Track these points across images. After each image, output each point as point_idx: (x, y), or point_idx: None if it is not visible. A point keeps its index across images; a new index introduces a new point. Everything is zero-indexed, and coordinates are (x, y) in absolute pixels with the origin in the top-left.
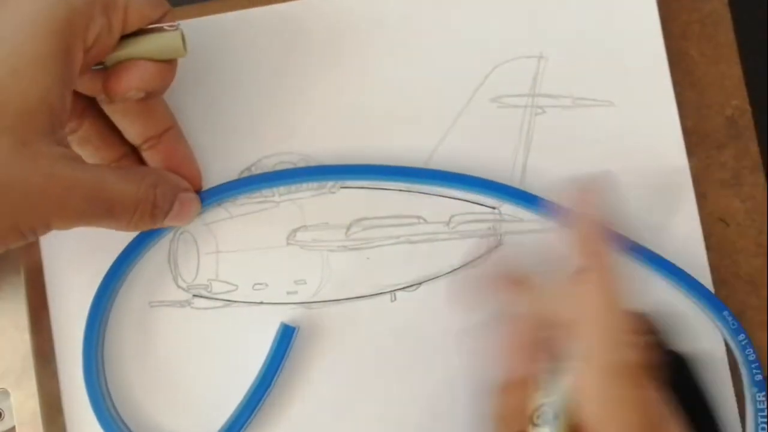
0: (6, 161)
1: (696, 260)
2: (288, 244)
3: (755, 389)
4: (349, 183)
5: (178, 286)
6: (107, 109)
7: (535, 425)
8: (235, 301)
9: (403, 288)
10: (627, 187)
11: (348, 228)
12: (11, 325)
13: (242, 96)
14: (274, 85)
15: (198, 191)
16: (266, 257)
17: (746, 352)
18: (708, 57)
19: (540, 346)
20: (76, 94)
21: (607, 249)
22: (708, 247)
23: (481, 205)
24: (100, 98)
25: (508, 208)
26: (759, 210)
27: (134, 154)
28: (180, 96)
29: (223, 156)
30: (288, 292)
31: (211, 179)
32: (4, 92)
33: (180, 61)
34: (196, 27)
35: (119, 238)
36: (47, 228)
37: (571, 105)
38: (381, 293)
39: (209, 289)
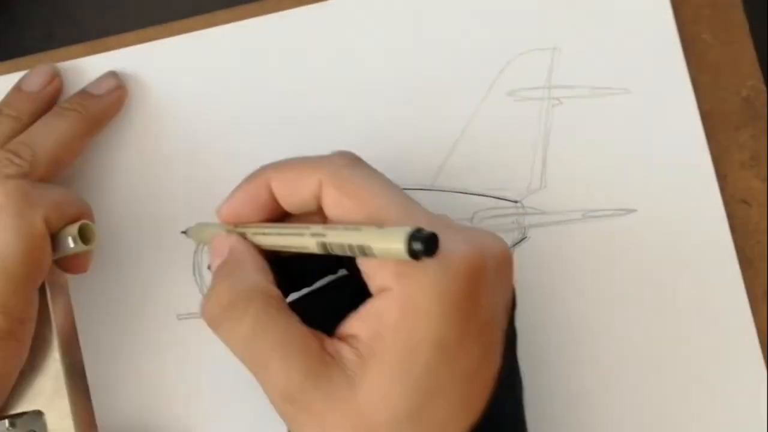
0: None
1: (721, 243)
2: None
3: None
4: None
5: None
6: None
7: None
8: None
9: None
10: (646, 173)
11: None
12: (40, 344)
13: (257, 101)
14: (287, 89)
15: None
16: None
17: None
18: (721, 39)
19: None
20: None
21: None
22: (731, 229)
23: (504, 199)
24: None
25: (530, 201)
26: None
27: None
28: (197, 103)
29: (242, 162)
30: None
31: (231, 185)
32: None
33: (201, 68)
34: (208, 35)
35: (143, 253)
36: None
37: (587, 95)
38: None
39: None
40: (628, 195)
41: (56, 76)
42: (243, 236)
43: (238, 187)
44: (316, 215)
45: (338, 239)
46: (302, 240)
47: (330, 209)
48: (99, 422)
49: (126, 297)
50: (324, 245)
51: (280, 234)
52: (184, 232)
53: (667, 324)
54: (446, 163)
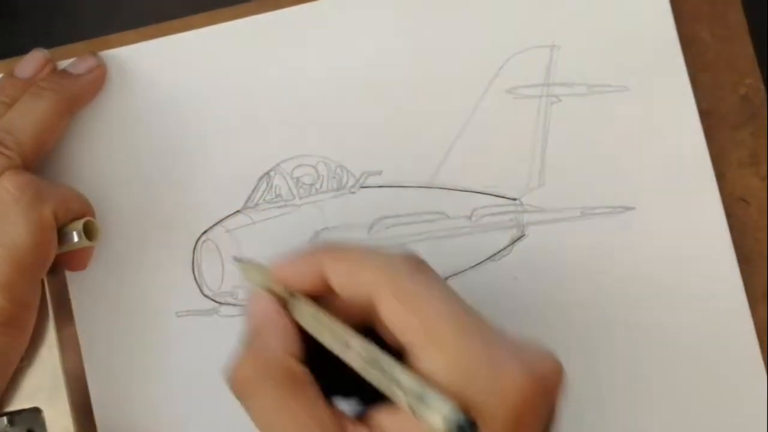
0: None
1: (720, 241)
2: None
3: None
4: (369, 182)
5: (204, 295)
6: None
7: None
8: None
9: None
10: (645, 171)
11: (370, 227)
12: (39, 342)
13: (257, 99)
14: (287, 87)
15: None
16: None
17: None
18: (719, 38)
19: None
20: None
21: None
22: (730, 227)
23: (502, 197)
24: None
25: (529, 199)
26: None
27: None
28: (198, 102)
29: (242, 160)
30: None
31: (230, 184)
32: None
33: (202, 66)
34: (209, 32)
35: (142, 250)
36: None
37: (586, 93)
38: None
39: (235, 296)
40: (627, 193)
41: (49, 61)
42: (285, 302)
43: (291, 260)
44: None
45: (379, 383)
46: (345, 352)
47: (384, 315)
48: (98, 420)
49: (125, 294)
50: (365, 371)
51: (323, 331)
52: (238, 260)
53: (666, 322)
54: (445, 160)
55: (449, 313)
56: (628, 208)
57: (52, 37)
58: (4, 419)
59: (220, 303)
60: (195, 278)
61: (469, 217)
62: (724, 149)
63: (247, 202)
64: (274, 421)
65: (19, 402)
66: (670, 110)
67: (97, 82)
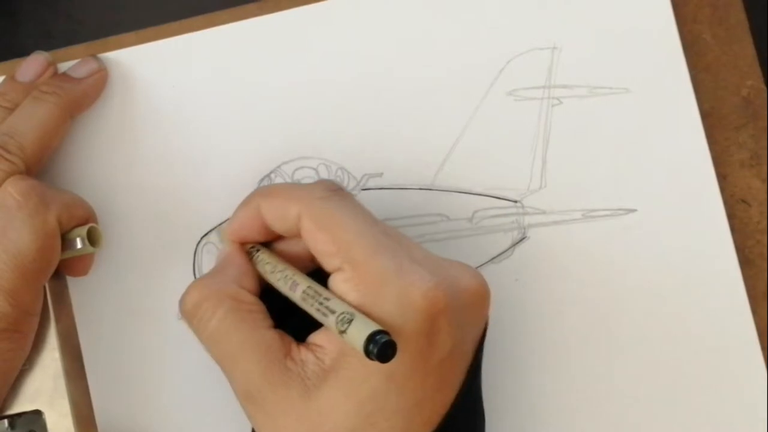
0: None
1: (721, 242)
2: None
3: None
4: (369, 184)
5: None
6: None
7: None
8: None
9: None
10: (646, 172)
11: None
12: (40, 344)
13: (258, 101)
14: (287, 89)
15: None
16: None
17: None
18: (721, 39)
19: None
20: None
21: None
22: (731, 228)
23: (503, 199)
24: None
25: (530, 201)
26: None
27: None
28: (198, 104)
29: (242, 162)
30: None
31: (231, 186)
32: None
33: (202, 69)
34: (209, 35)
35: (142, 253)
36: None
37: (587, 94)
38: None
39: None
40: (628, 195)
41: (50, 64)
42: (249, 254)
43: (236, 211)
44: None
45: (315, 312)
46: (291, 291)
47: (307, 240)
48: (98, 422)
49: (126, 297)
50: (306, 303)
51: (273, 273)
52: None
53: (667, 323)
54: (446, 162)
55: (360, 232)
56: (629, 210)
57: (52, 39)
58: (5, 422)
59: None
60: None
61: (470, 219)
62: (725, 150)
63: None
64: (223, 343)
65: (20, 405)
66: (672, 112)
67: (98, 85)
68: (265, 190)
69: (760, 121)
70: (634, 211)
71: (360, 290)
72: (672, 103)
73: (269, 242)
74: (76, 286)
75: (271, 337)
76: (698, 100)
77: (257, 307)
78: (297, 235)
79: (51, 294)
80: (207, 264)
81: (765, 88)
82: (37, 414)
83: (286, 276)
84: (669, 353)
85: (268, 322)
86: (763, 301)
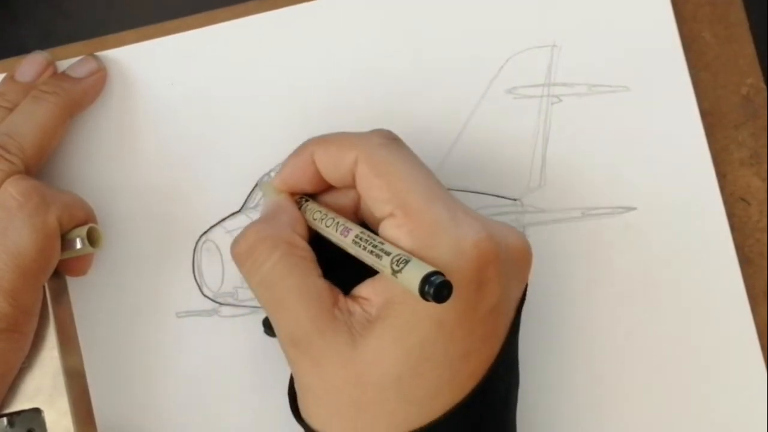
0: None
1: (721, 241)
2: None
3: None
4: None
5: (204, 295)
6: None
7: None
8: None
9: None
10: (646, 171)
11: None
12: (39, 343)
13: (256, 99)
14: (286, 87)
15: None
16: None
17: None
18: (720, 38)
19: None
20: None
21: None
22: (731, 227)
23: (503, 197)
24: None
25: (529, 199)
26: None
27: None
28: (197, 102)
29: (241, 161)
30: None
31: (230, 185)
32: None
33: (200, 66)
34: (208, 33)
35: (142, 251)
36: None
37: (586, 93)
38: None
39: (235, 297)
40: (628, 193)
41: (50, 64)
42: (298, 204)
43: (287, 160)
44: (355, 189)
45: (367, 256)
46: (342, 239)
47: (361, 186)
48: (98, 421)
49: (125, 295)
50: (357, 250)
51: (324, 220)
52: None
53: (667, 322)
54: (445, 161)
55: (416, 180)
56: (628, 209)
57: (51, 37)
58: (4, 420)
59: (220, 303)
60: (195, 279)
61: None
62: (725, 149)
63: (246, 202)
64: (274, 287)
65: (20, 403)
66: (671, 110)
67: (98, 85)
68: (320, 138)
69: (760, 119)
70: (633, 209)
71: (413, 236)
72: (672, 101)
73: (314, 195)
74: (75, 285)
75: (321, 285)
76: (698, 98)
77: (309, 254)
78: (348, 184)
79: (51, 294)
80: (206, 263)
81: (765, 86)
82: (36, 412)
83: (338, 223)
84: (668, 352)
85: (319, 270)
86: (763, 299)
